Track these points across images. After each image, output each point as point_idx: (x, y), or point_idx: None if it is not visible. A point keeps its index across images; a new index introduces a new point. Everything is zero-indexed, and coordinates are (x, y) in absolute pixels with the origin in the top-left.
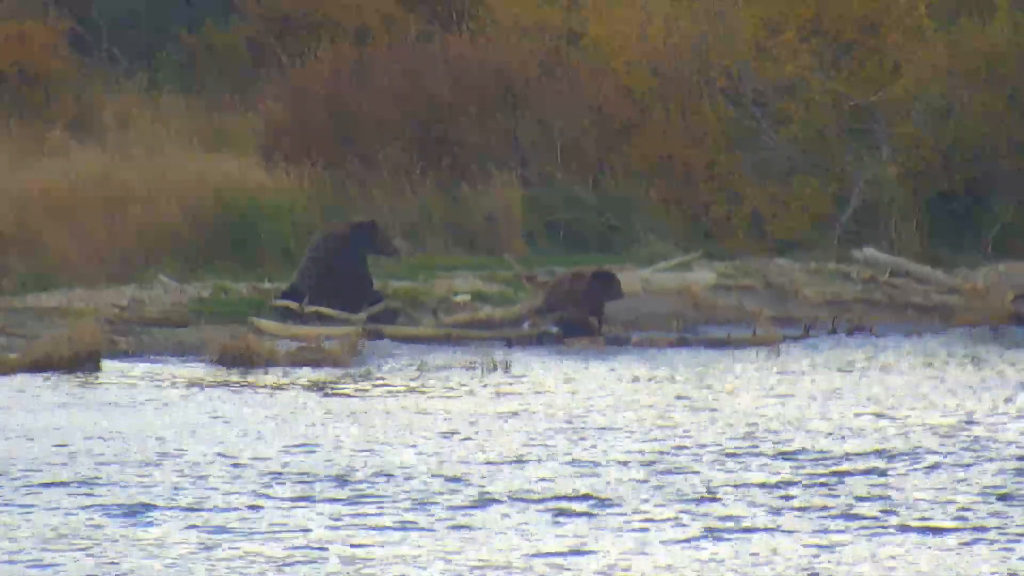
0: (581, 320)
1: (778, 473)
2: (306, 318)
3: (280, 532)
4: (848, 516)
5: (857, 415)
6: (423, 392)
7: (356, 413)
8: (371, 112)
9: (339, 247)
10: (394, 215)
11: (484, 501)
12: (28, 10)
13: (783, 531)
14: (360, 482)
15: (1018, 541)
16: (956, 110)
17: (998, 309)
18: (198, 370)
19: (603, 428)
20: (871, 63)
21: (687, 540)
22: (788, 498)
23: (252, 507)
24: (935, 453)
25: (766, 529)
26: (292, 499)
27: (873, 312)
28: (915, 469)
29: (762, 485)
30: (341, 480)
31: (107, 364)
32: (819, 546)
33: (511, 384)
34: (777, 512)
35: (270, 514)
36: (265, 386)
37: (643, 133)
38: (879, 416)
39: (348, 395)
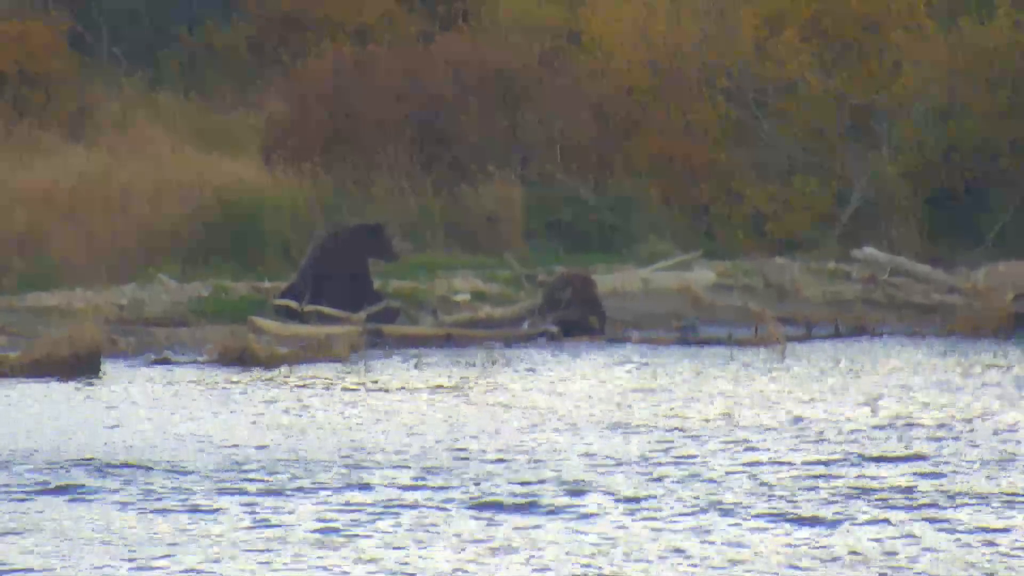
0: (581, 319)
1: (773, 473)
2: (306, 317)
3: (280, 529)
4: (836, 515)
5: (855, 415)
6: (422, 390)
7: (356, 411)
8: (371, 112)
9: (341, 248)
10: (394, 215)
11: (483, 498)
12: (28, 10)
13: (774, 528)
14: (362, 478)
15: (1008, 540)
16: (956, 110)
17: (998, 308)
18: (198, 369)
19: (599, 426)
20: (871, 63)
21: (679, 536)
22: (783, 497)
23: (251, 503)
24: (933, 453)
25: (756, 525)
26: (293, 497)
27: (873, 311)
28: (911, 469)
29: (755, 482)
30: (342, 477)
31: (107, 363)
32: (809, 545)
33: (510, 383)
34: (768, 510)
35: (268, 510)
36: (265, 385)
37: (643, 132)
38: (876, 416)
39: (348, 393)
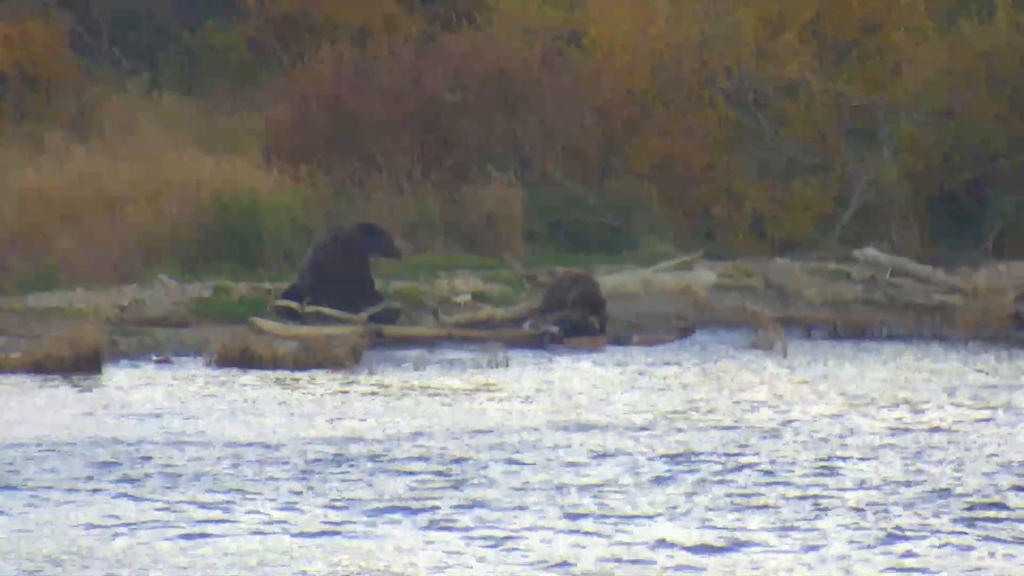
0: (582, 320)
1: (773, 472)
2: (306, 318)
3: (281, 530)
4: (833, 520)
5: (854, 415)
6: (423, 391)
7: (355, 412)
8: (371, 113)
9: (343, 249)
10: (394, 215)
11: (481, 499)
12: (29, 11)
13: (774, 528)
14: (363, 479)
15: (1008, 543)
16: (956, 110)
17: (999, 309)
18: (199, 370)
19: (600, 427)
20: (871, 63)
21: (679, 539)
22: (777, 498)
23: (252, 503)
24: (932, 453)
25: (754, 529)
26: (293, 496)
27: (874, 312)
28: (910, 469)
29: (753, 483)
30: (342, 477)
31: (107, 364)
32: (806, 550)
33: (511, 383)
34: (767, 509)
35: (269, 512)
36: (265, 386)
37: (644, 133)
38: (876, 417)
39: (347, 394)
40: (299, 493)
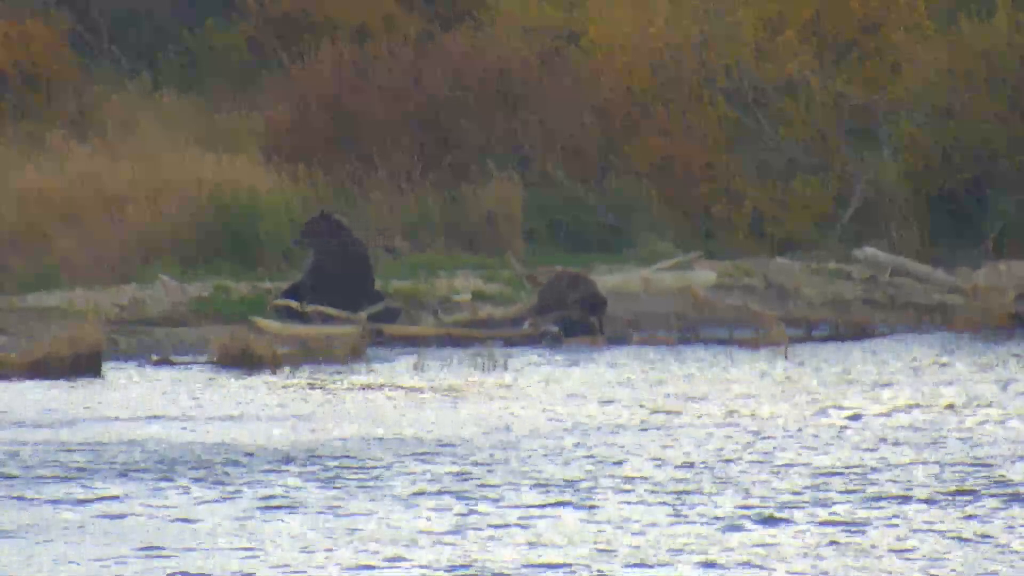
0: (581, 319)
1: (773, 472)
2: (307, 317)
3: (280, 526)
4: (835, 515)
5: (855, 416)
6: (422, 390)
7: (355, 412)
8: (371, 112)
9: (342, 247)
10: (394, 215)
11: (480, 493)
12: (28, 10)
13: (773, 529)
14: (362, 476)
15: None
16: (956, 110)
17: (999, 308)
18: (199, 370)
19: (598, 425)
20: (871, 63)
21: (674, 534)
22: (776, 495)
23: (252, 503)
24: (933, 453)
25: (755, 525)
26: (293, 496)
27: (874, 312)
28: (910, 470)
29: (750, 480)
30: (340, 476)
31: (108, 364)
32: (805, 547)
33: (510, 383)
34: (766, 509)
35: (269, 509)
36: (265, 385)
37: (644, 133)
38: (877, 417)
39: (347, 394)
40: (299, 490)
